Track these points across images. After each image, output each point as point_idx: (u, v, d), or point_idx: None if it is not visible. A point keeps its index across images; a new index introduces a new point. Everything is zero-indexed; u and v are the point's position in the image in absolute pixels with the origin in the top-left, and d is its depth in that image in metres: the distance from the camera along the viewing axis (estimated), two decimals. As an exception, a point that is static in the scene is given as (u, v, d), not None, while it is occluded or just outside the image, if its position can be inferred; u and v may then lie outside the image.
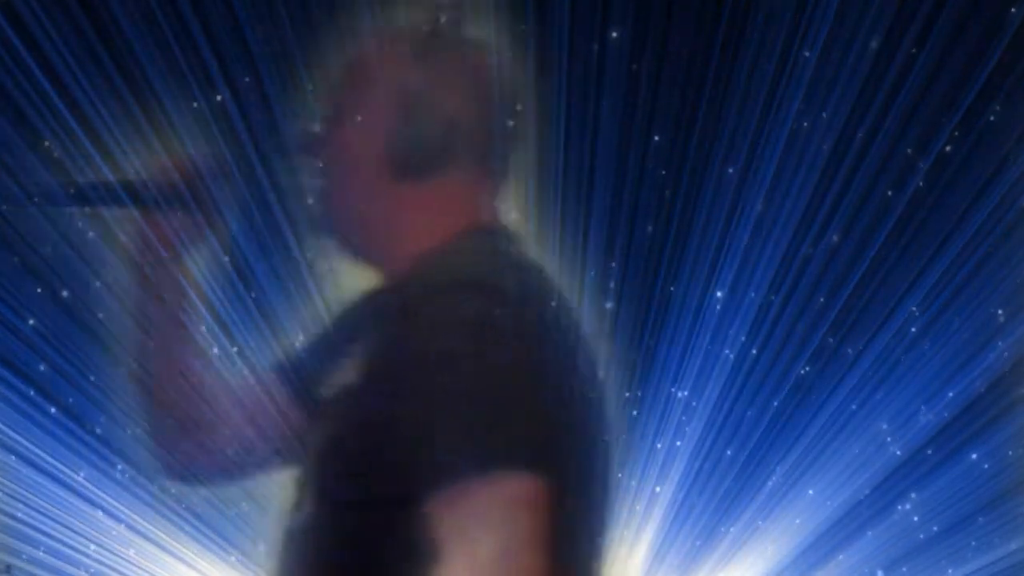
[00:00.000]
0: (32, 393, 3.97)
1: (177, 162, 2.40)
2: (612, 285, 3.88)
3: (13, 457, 3.99)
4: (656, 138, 3.85)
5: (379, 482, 2.11)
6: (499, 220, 2.30)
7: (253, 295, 3.51)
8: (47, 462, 4.00)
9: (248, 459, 2.45)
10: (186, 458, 2.45)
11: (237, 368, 2.55)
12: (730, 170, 3.85)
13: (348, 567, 2.15)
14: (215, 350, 2.51)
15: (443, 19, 2.27)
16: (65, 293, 3.77)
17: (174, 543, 4.10)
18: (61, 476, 4.02)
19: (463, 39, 2.29)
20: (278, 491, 2.44)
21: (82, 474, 4.02)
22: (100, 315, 3.53)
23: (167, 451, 2.46)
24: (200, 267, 2.44)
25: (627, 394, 3.86)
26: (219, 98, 3.54)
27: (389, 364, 2.12)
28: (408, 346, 2.11)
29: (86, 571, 4.08)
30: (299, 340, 2.48)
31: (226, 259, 2.50)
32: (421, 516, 2.07)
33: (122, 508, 4.07)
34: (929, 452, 4.17)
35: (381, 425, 2.11)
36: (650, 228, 3.88)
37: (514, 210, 2.33)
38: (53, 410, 4.00)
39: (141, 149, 2.91)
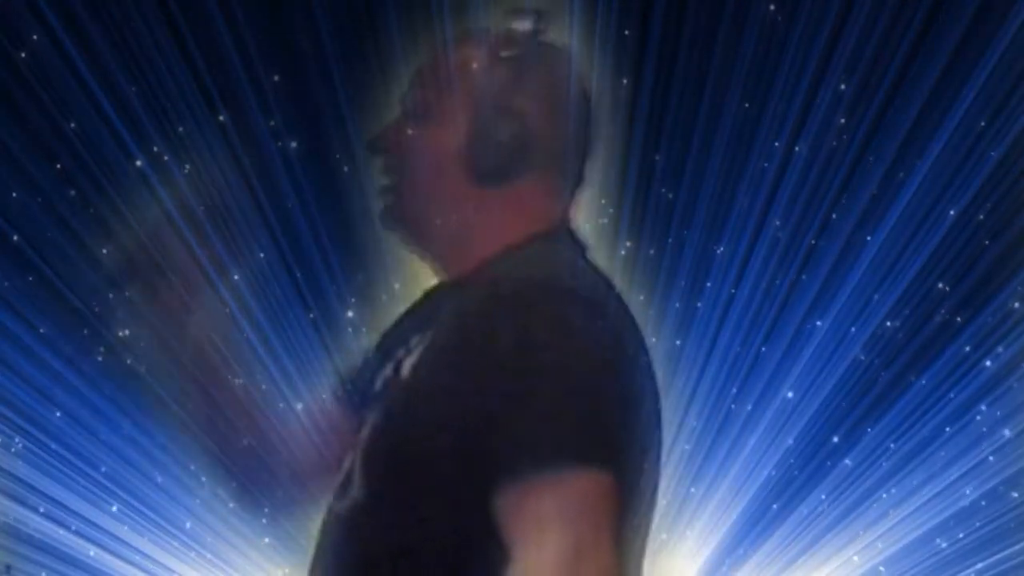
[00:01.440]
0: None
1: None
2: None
3: (14, 457, 3.98)
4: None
5: (439, 474, 2.10)
6: (570, 229, 2.30)
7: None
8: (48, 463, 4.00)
9: (308, 471, 2.44)
10: (246, 478, 2.44)
11: (292, 367, 2.62)
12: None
13: (395, 555, 2.14)
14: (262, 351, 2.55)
15: (530, 27, 2.28)
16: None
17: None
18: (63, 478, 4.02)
19: (548, 47, 2.29)
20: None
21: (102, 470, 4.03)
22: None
23: (228, 472, 2.45)
24: (262, 259, 2.51)
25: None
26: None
27: (457, 361, 2.11)
28: (474, 344, 2.10)
29: (86, 571, 4.05)
30: (358, 333, 2.44)
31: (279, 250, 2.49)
32: (486, 510, 2.06)
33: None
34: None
35: (441, 419, 2.10)
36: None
37: (585, 220, 2.34)
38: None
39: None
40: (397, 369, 2.23)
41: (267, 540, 4.04)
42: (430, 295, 2.34)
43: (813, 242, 3.91)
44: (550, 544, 2.00)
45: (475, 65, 2.25)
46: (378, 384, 2.27)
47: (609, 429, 2.05)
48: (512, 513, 2.03)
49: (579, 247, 2.28)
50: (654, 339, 2.26)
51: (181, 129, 3.49)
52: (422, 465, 2.10)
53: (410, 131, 2.28)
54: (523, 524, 2.02)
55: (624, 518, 2.06)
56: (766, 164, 3.77)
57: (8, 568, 4.05)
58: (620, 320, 2.14)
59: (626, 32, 3.62)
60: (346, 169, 3.34)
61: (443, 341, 2.15)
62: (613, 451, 2.05)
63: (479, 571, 2.07)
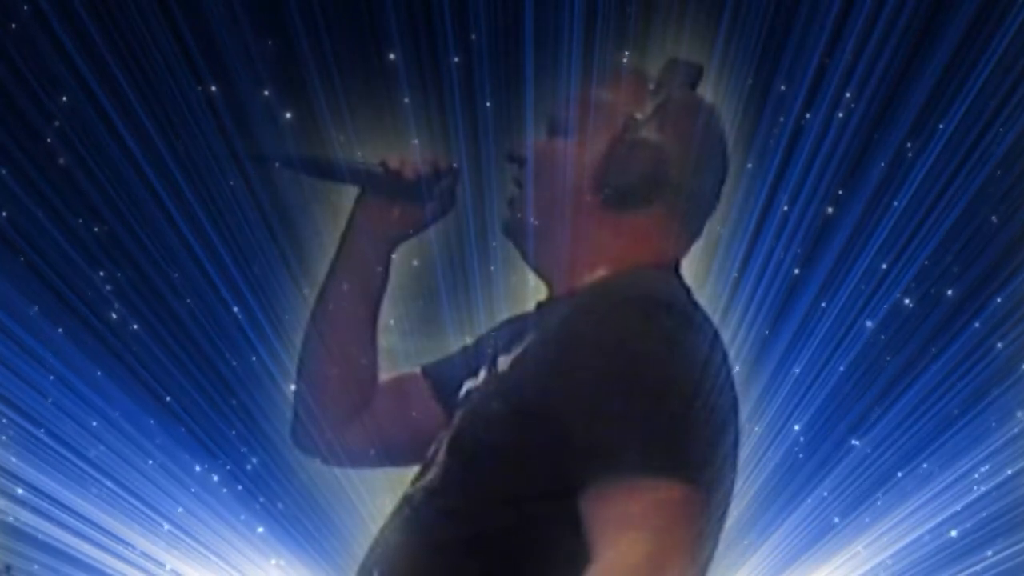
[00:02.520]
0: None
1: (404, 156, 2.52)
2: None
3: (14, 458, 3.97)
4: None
5: (523, 466, 2.17)
6: (677, 268, 2.39)
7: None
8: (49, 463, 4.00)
9: (395, 446, 2.54)
10: (330, 436, 2.53)
11: (397, 357, 2.64)
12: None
13: (464, 539, 2.21)
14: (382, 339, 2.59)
15: (689, 75, 2.40)
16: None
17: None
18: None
19: (701, 101, 2.41)
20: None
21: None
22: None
23: (312, 428, 2.53)
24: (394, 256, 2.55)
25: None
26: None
27: (559, 360, 2.19)
28: (578, 345, 2.19)
29: (86, 571, 4.04)
30: (461, 337, 2.58)
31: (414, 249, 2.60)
32: (563, 505, 2.13)
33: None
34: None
35: (534, 414, 2.17)
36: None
37: (693, 263, 2.45)
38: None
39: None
40: (494, 366, 2.33)
41: (260, 529, 4.05)
42: (538, 308, 2.42)
43: (820, 222, 3.90)
44: (633, 549, 2.07)
45: (628, 95, 2.37)
46: (470, 384, 2.37)
47: (702, 442, 2.14)
48: (597, 513, 2.11)
49: (684, 287, 2.35)
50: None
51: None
52: (506, 455, 2.18)
53: (550, 144, 2.39)
54: (607, 525, 2.10)
55: (703, 529, 2.13)
56: (773, 141, 3.75)
57: (8, 568, 4.04)
58: (714, 344, 2.23)
59: (628, 10, 3.61)
60: (340, 140, 3.33)
61: (546, 340, 2.24)
62: (703, 464, 2.13)
63: (545, 563, 2.15)
